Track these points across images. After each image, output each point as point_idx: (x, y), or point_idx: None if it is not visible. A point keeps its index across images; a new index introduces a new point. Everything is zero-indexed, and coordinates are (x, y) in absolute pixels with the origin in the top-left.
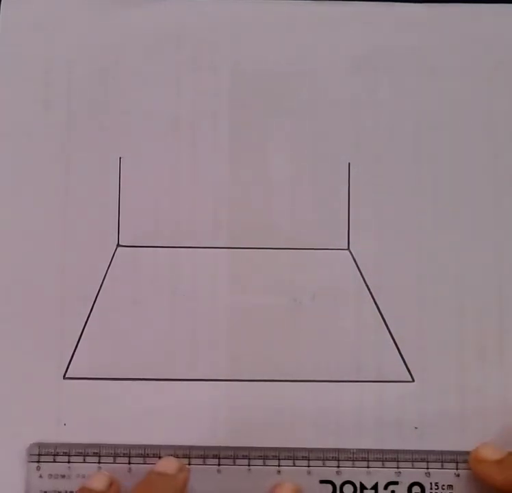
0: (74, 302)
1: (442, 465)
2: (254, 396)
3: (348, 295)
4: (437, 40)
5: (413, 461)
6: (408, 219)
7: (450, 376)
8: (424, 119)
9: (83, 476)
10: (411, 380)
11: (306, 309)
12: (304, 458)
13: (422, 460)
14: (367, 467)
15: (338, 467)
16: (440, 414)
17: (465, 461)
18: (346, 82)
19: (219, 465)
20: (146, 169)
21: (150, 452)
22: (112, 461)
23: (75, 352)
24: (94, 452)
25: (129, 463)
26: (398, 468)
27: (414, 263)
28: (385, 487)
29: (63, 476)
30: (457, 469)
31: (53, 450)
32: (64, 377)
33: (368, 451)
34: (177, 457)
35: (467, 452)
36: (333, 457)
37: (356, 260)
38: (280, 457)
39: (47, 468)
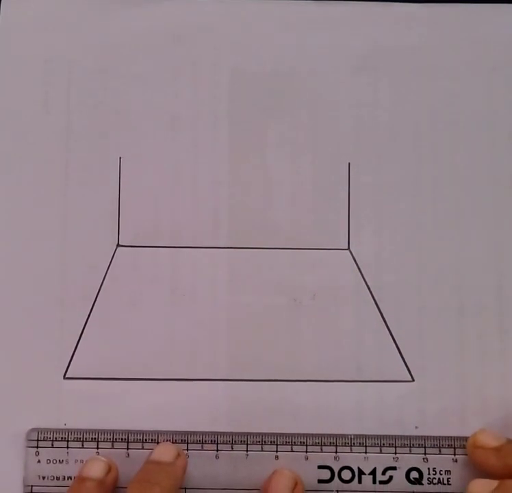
0: (74, 303)
1: (440, 451)
2: (254, 396)
3: (348, 295)
4: (437, 40)
5: (410, 447)
6: (408, 219)
7: (450, 376)
8: (423, 119)
9: (82, 461)
10: (411, 380)
11: (306, 309)
12: (302, 444)
13: (420, 446)
14: (365, 452)
15: (336, 453)
16: (440, 414)
17: (463, 447)
18: (346, 82)
19: (217, 450)
20: (146, 169)
21: (148, 438)
22: (110, 447)
23: (75, 352)
24: (92, 438)
25: (127, 448)
26: (395, 453)
27: (414, 263)
28: (383, 473)
29: (61, 462)
30: (455, 455)
31: (51, 436)
32: (64, 377)
33: (366, 437)
34: (175, 442)
35: (465, 438)
36: (330, 443)
37: (356, 260)
38: (278, 443)
39: (45, 453)
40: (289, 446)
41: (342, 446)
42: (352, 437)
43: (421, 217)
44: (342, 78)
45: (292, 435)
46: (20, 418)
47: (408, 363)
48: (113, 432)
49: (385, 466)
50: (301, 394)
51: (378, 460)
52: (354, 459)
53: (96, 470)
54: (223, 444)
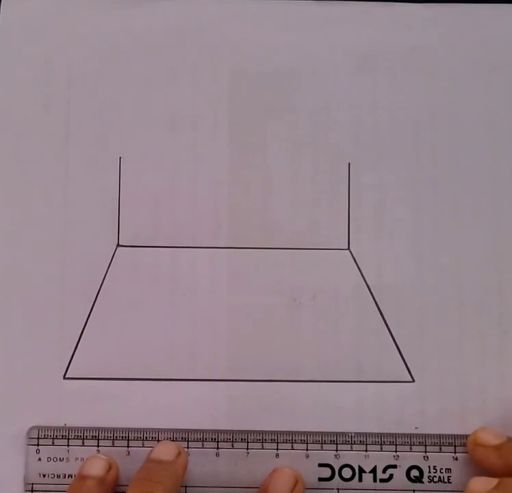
0: (74, 303)
1: (440, 449)
2: (254, 396)
3: (348, 295)
4: (437, 40)
5: (411, 445)
6: (409, 219)
7: (450, 376)
8: (423, 119)
9: (82, 460)
10: (411, 380)
11: (306, 309)
12: (302, 442)
13: (420, 444)
14: (366, 451)
15: (336, 451)
16: (440, 414)
17: (463, 445)
18: (346, 82)
19: (217, 448)
20: (146, 169)
21: (148, 436)
22: (111, 444)
23: (75, 352)
24: (92, 436)
25: (128, 446)
26: (396, 451)
27: (414, 263)
28: (384, 471)
29: (62, 460)
30: (455, 453)
31: (51, 434)
32: (64, 377)
33: (366, 435)
34: (176, 440)
35: (465, 436)
36: (331, 441)
37: (356, 260)
38: (279, 441)
39: (46, 451)
40: (290, 444)
41: (343, 444)
42: (353, 435)
43: (422, 217)
44: (342, 78)
45: (293, 432)
46: (20, 418)
47: (408, 363)
48: (113, 430)
49: (385, 464)
50: (301, 394)
51: (378, 458)
52: (355, 457)
53: (96, 468)
54: (223, 441)
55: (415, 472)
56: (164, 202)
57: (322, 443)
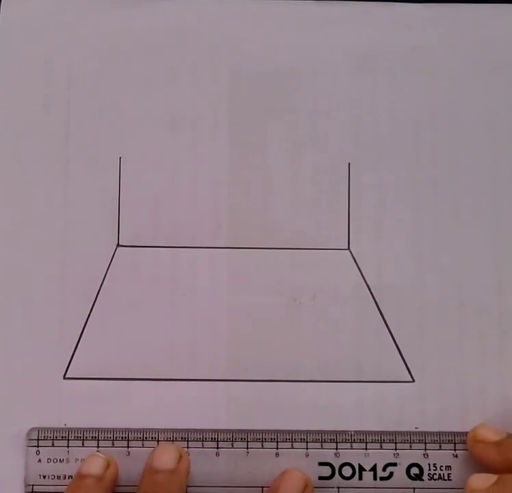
0: (74, 303)
1: (440, 447)
2: (254, 396)
3: (348, 295)
4: (437, 40)
5: (411, 443)
6: (409, 219)
7: (450, 376)
8: (423, 119)
9: (82, 460)
10: (411, 380)
11: (306, 309)
12: (302, 440)
13: (420, 441)
14: (366, 449)
15: (336, 449)
16: (440, 414)
17: (463, 442)
18: (346, 82)
19: (217, 448)
20: (146, 169)
21: (148, 436)
22: (111, 445)
23: (75, 352)
24: (92, 437)
25: (128, 446)
26: (396, 449)
27: (414, 263)
28: (384, 469)
29: (62, 461)
30: (455, 450)
31: (51, 435)
32: (64, 377)
33: (366, 433)
34: (175, 440)
35: (465, 434)
36: (331, 439)
37: (356, 260)
38: (279, 440)
39: (46, 452)
40: (290, 443)
41: (342, 442)
42: (353, 433)
43: (422, 217)
44: (342, 78)
45: (292, 431)
46: (20, 418)
47: (408, 363)
48: (113, 430)
49: (385, 462)
50: (301, 394)
51: (378, 456)
52: (355, 455)
53: (94, 466)
54: (223, 441)
55: (415, 470)
56: (164, 202)
57: (321, 442)
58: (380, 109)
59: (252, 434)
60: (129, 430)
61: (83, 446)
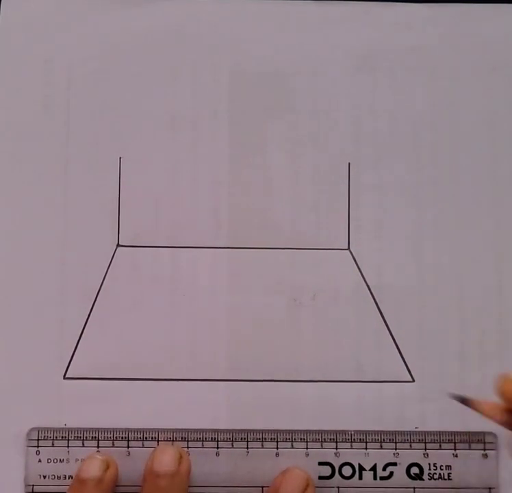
0: (74, 303)
1: (440, 446)
2: (254, 396)
3: (348, 295)
4: (437, 40)
5: (411, 442)
6: (409, 219)
7: (450, 376)
8: (423, 119)
9: (82, 461)
10: (411, 380)
11: (306, 309)
12: (302, 440)
13: (420, 441)
14: (366, 448)
15: (336, 449)
16: (440, 414)
17: (463, 442)
18: (346, 82)
19: (217, 448)
20: (146, 169)
21: (148, 436)
22: (111, 445)
23: (75, 352)
24: (92, 437)
25: (128, 446)
26: (396, 449)
27: (414, 263)
28: (384, 469)
29: (62, 461)
30: (455, 450)
31: (51, 435)
32: (64, 377)
33: (366, 433)
34: (175, 440)
35: (465, 433)
36: (331, 439)
37: (356, 260)
38: (279, 440)
39: (46, 452)
40: (290, 443)
41: (342, 442)
42: (353, 433)
43: (422, 217)
44: (342, 78)
45: (292, 431)
46: (20, 418)
47: (408, 363)
48: (113, 430)
49: (385, 462)
50: (301, 394)
51: (378, 456)
52: (355, 455)
53: (93, 469)
54: (223, 441)
55: (415, 470)
56: (164, 202)
57: (321, 441)
58: (380, 109)
59: (252, 434)
60: (129, 430)
61: (83, 446)
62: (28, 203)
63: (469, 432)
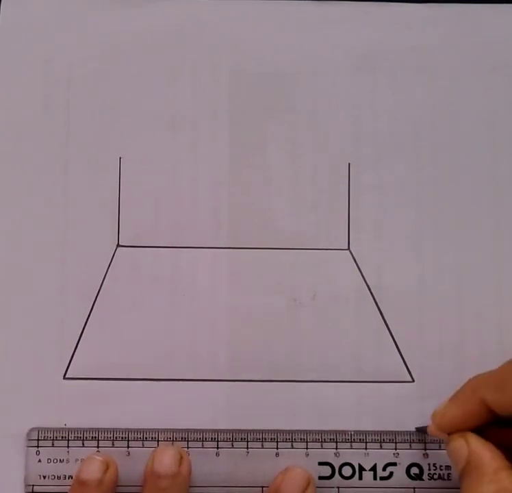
0: (74, 303)
1: (440, 446)
2: (254, 396)
3: (348, 295)
4: (437, 40)
5: (410, 443)
6: (409, 219)
7: (450, 376)
8: (423, 119)
9: (82, 461)
10: (411, 380)
11: (306, 309)
12: (302, 440)
13: (420, 441)
14: (366, 449)
15: (336, 449)
16: None
17: None
18: (346, 82)
19: (217, 448)
20: (146, 169)
21: (148, 436)
22: (111, 445)
23: (75, 352)
24: (92, 437)
25: (128, 446)
26: (396, 449)
27: (414, 263)
28: (384, 469)
29: (62, 461)
30: None
31: (51, 435)
32: (64, 377)
33: (366, 433)
34: (175, 440)
35: None
36: (331, 439)
37: (356, 260)
38: (279, 440)
39: (46, 452)
40: (290, 443)
41: (342, 442)
42: (353, 433)
43: (421, 217)
44: (342, 78)
45: (292, 431)
46: (20, 418)
47: (408, 363)
48: (113, 431)
49: (385, 462)
50: (301, 394)
51: (378, 456)
52: (355, 455)
53: (93, 471)
54: (223, 441)
55: (415, 470)
56: (164, 202)
57: (321, 441)
58: (380, 109)
59: (252, 434)
60: (129, 430)
61: (83, 446)
62: (28, 203)
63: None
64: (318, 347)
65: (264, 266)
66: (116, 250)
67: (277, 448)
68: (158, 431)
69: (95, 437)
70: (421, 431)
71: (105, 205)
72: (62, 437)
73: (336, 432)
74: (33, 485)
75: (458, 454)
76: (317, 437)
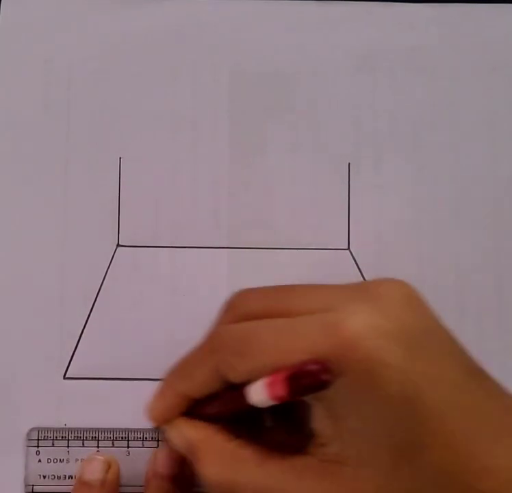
0: (74, 302)
1: None
2: None
3: None
4: (437, 39)
5: None
6: (408, 219)
7: None
8: (423, 119)
9: (82, 461)
10: None
11: None
12: None
13: None
14: None
15: None
16: None
17: None
18: (346, 82)
19: None
20: (146, 169)
21: (148, 436)
22: (111, 445)
23: (75, 352)
24: (92, 437)
25: (128, 446)
26: None
27: (414, 263)
28: None
29: (62, 461)
30: None
31: (51, 435)
32: (64, 377)
33: None
34: None
35: None
36: None
37: (356, 260)
38: None
39: (46, 452)
40: None
41: None
42: None
43: (421, 217)
44: (342, 78)
45: None
46: (20, 418)
47: None
48: (113, 430)
49: None
50: None
51: None
52: None
53: (95, 471)
54: None
55: None
56: (164, 202)
57: None
58: (380, 109)
59: None
60: (128, 430)
61: (83, 446)
62: (28, 203)
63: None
64: None
65: (264, 266)
66: (115, 250)
67: None
68: (158, 430)
69: (95, 437)
70: None
71: (105, 205)
72: (62, 437)
73: None
74: (33, 485)
75: (177, 443)
76: None
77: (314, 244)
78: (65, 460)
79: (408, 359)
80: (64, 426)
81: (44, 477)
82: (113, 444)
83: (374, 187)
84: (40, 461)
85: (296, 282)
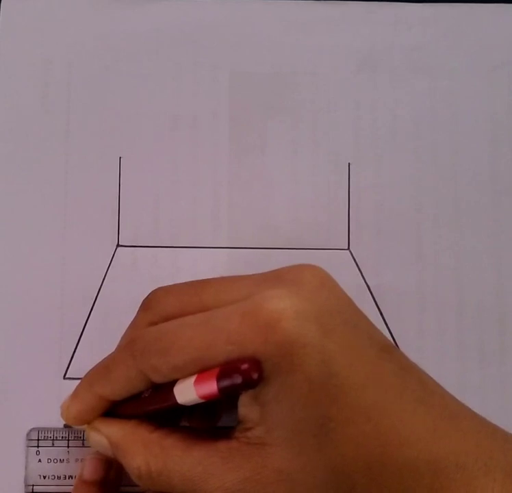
0: (74, 302)
1: None
2: None
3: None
4: (437, 39)
5: None
6: (408, 219)
7: (450, 376)
8: (423, 119)
9: (82, 461)
10: None
11: None
12: None
13: None
14: None
15: None
16: None
17: None
18: (346, 82)
19: None
20: (146, 169)
21: None
22: None
23: (75, 352)
24: None
25: None
26: None
27: (414, 263)
28: None
29: (62, 461)
30: None
31: (51, 435)
32: (64, 377)
33: None
34: None
35: None
36: None
37: (356, 260)
38: None
39: (46, 452)
40: None
41: None
42: None
43: (422, 217)
44: (342, 78)
45: None
46: (20, 418)
47: None
48: None
49: None
50: None
51: None
52: None
53: (96, 471)
54: None
55: None
56: (164, 202)
57: None
58: (380, 109)
59: None
60: None
61: (83, 446)
62: (28, 202)
63: None
64: None
65: (264, 266)
66: (115, 250)
67: None
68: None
69: None
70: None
71: (105, 205)
72: (62, 437)
73: None
74: (33, 485)
75: (98, 445)
76: None
77: (314, 244)
78: (65, 460)
79: (324, 338)
80: (64, 426)
81: (44, 477)
82: None
83: (374, 187)
84: (40, 461)
85: None
